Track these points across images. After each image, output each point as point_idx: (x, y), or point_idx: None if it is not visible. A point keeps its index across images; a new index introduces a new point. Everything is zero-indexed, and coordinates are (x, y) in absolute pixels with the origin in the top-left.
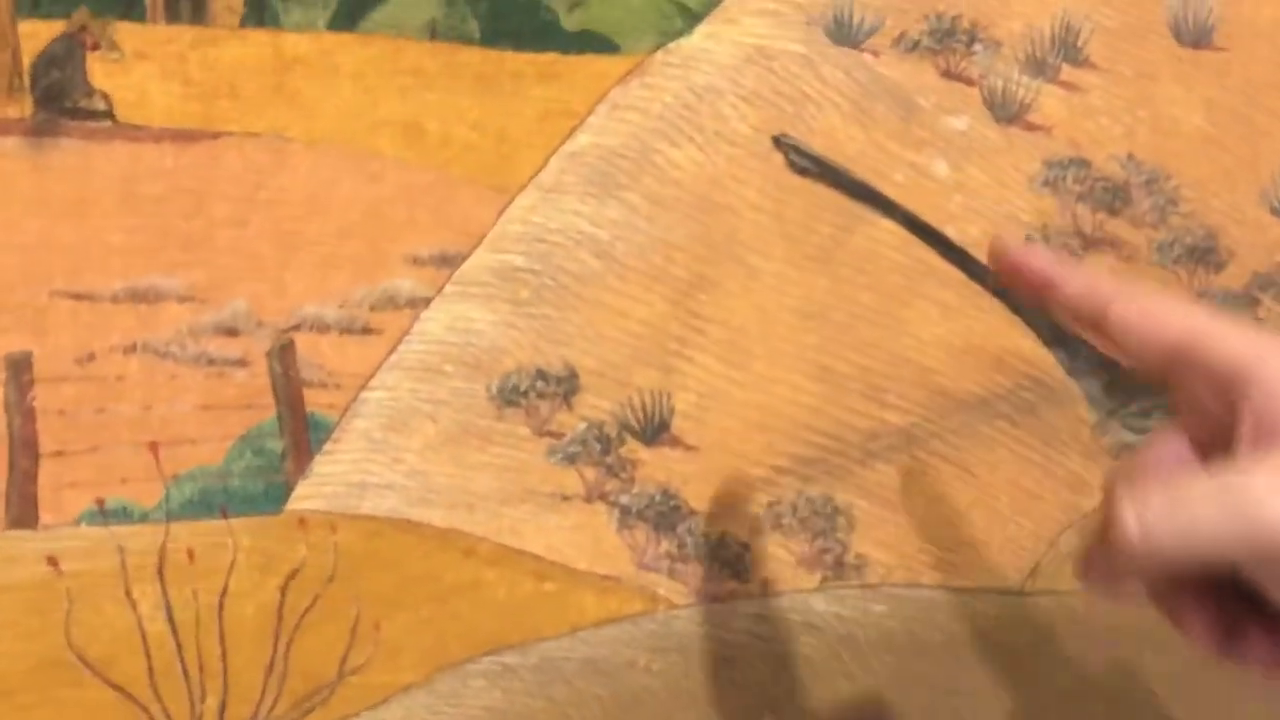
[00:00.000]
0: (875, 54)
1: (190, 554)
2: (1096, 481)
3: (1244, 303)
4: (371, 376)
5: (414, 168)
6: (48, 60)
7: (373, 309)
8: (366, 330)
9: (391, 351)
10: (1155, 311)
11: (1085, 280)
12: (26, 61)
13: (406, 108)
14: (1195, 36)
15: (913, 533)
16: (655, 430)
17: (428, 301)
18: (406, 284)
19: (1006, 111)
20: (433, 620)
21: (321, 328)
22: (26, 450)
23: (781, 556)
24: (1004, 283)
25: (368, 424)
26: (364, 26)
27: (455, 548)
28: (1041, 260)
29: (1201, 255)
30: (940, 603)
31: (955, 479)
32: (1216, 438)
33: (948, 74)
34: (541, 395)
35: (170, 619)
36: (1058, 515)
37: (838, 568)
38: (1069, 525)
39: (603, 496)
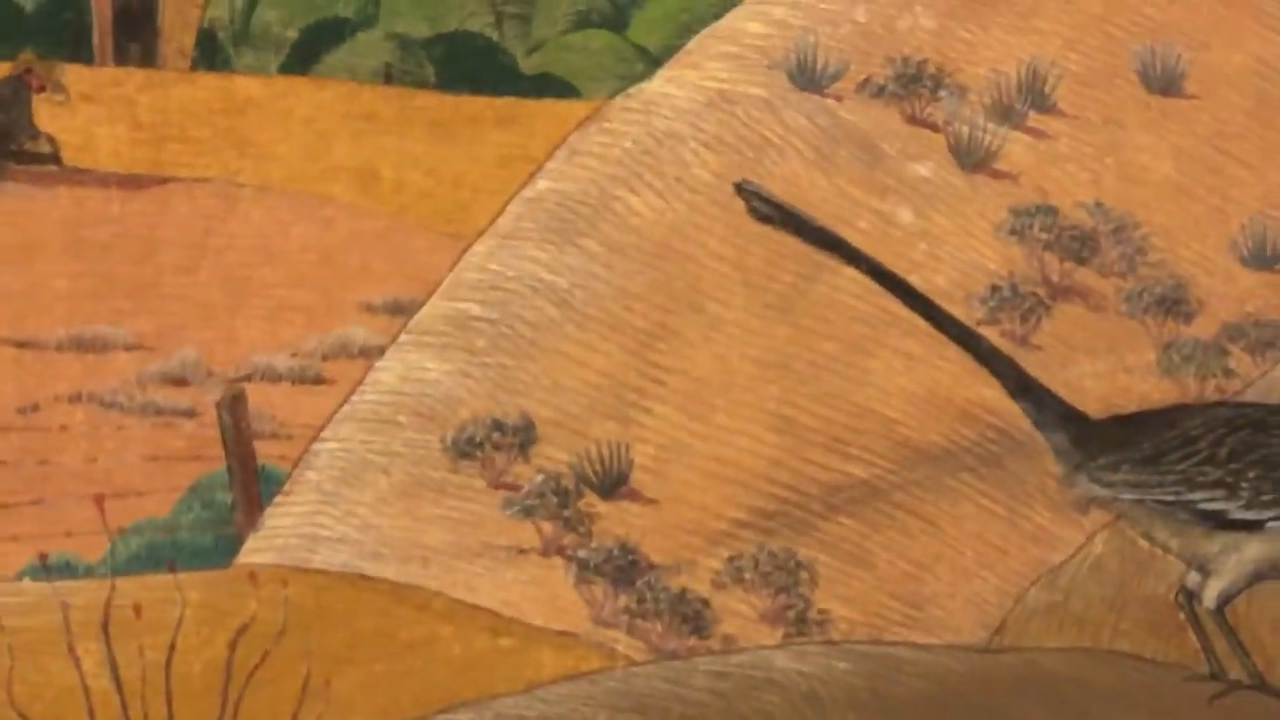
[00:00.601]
0: (839, 99)
1: (136, 609)
2: (1064, 535)
3: (1214, 353)
4: (324, 427)
5: (368, 214)
6: None
7: (325, 358)
8: (319, 380)
9: (344, 402)
10: None
11: None
12: None
13: (360, 152)
14: (1164, 83)
15: (877, 588)
16: (614, 483)
17: (381, 350)
18: (360, 332)
19: (972, 158)
20: (385, 677)
21: (273, 377)
22: None
23: (743, 612)
24: None
25: (320, 476)
26: (317, 70)
27: (409, 603)
28: None
29: (1170, 305)
30: (905, 660)
31: (920, 533)
32: None
33: (913, 120)
34: (497, 447)
35: (115, 677)
36: (1024, 570)
37: (800, 623)
38: (1036, 580)
39: (560, 550)
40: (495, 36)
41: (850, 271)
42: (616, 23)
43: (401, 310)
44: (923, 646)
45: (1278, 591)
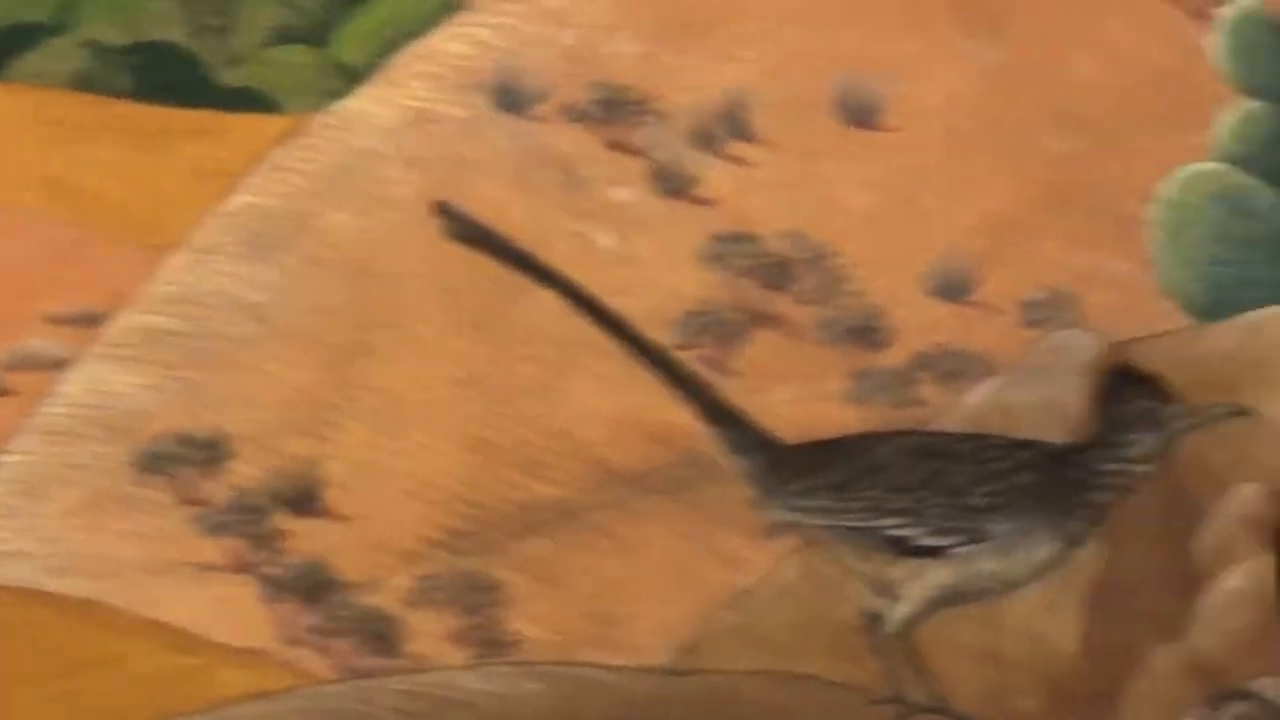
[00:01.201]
0: (541, 121)
1: None
2: (754, 559)
3: (904, 382)
4: (5, 440)
5: (58, 223)
6: None
7: (8, 369)
8: (1, 392)
9: (28, 414)
10: None
11: None
12: None
13: (51, 160)
14: (862, 116)
15: (567, 608)
16: (307, 499)
17: (69, 363)
18: (46, 344)
19: (673, 184)
20: (65, 696)
21: None
22: None
23: (433, 631)
24: None
25: (0, 489)
26: (6, 75)
27: (92, 619)
28: None
29: (864, 334)
30: (594, 681)
31: (611, 554)
32: None
33: (614, 145)
34: (187, 462)
35: None
36: (714, 593)
37: (491, 644)
38: (725, 603)
39: (249, 567)
40: (194, 47)
41: (548, 294)
42: (317, 36)
43: (92, 322)
44: (611, 668)
45: (960, 618)
